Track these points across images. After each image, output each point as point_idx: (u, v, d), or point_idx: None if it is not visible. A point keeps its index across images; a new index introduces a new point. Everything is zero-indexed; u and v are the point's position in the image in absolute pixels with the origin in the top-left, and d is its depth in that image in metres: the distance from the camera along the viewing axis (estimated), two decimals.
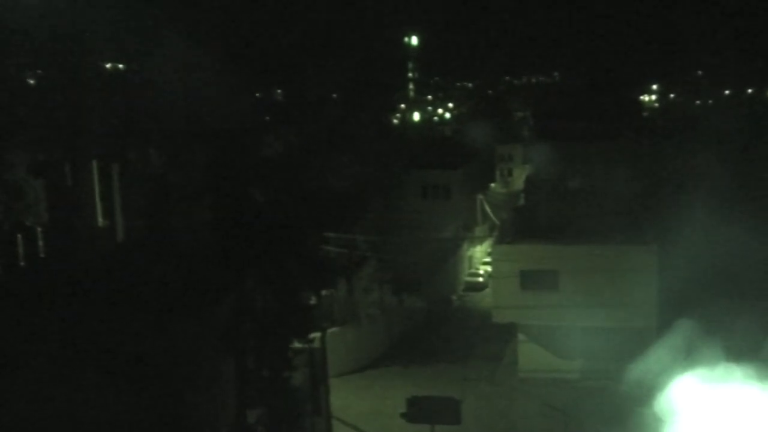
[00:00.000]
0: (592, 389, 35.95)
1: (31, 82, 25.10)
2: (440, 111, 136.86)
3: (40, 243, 22.19)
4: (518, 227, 42.28)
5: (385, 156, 54.60)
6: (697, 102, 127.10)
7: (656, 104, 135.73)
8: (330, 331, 34.47)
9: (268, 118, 29.00)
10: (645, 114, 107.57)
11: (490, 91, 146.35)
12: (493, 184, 78.37)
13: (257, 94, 28.84)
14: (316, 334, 29.64)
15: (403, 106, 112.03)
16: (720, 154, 52.09)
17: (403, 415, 31.73)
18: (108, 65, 26.50)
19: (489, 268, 49.70)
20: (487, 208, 64.07)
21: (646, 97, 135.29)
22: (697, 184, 45.16)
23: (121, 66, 26.68)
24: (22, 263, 21.54)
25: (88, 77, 23.64)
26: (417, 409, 31.21)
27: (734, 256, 35.70)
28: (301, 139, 28.76)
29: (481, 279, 56.79)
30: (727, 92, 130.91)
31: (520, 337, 39.02)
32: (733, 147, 55.50)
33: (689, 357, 29.80)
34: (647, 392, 30.62)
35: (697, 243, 35.77)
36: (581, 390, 36.19)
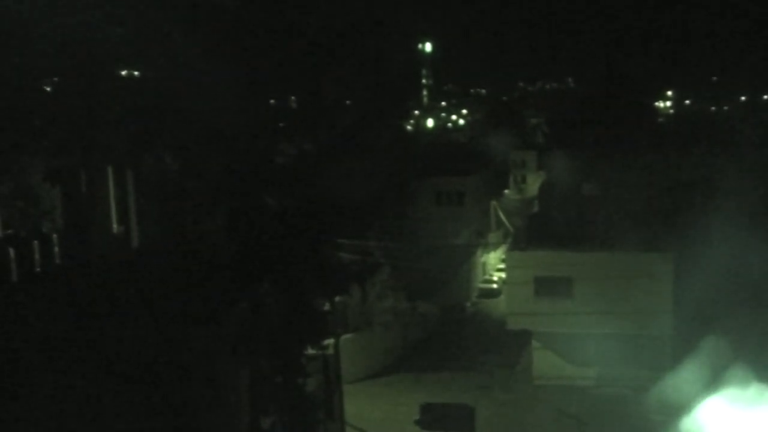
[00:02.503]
0: (606, 397, 35.77)
1: (47, 89, 25.26)
2: (454, 117, 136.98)
3: (56, 249, 22.29)
4: (532, 234, 42.23)
5: (399, 163, 54.61)
6: (713, 108, 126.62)
7: (671, 110, 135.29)
8: (344, 337, 34.47)
9: (282, 124, 29.04)
10: (660, 120, 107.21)
11: (504, 98, 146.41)
12: (507, 191, 78.27)
13: (272, 101, 28.89)
14: (330, 341, 29.65)
15: (417, 112, 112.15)
16: (740, 161, 51.70)
17: (416, 422, 31.70)
18: (123, 72, 26.64)
19: (503, 275, 49.59)
20: (501, 215, 63.97)
21: (661, 104, 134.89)
22: (716, 192, 44.83)
23: (136, 73, 26.81)
24: (37, 269, 21.65)
25: (104, 84, 23.78)
26: (430, 416, 31.18)
27: (758, 267, 35.26)
28: (315, 146, 28.79)
29: (494, 285, 56.63)
30: (743, 98, 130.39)
31: (534, 344, 38.88)
32: (755, 154, 55.03)
33: (717, 375, 29.19)
34: (669, 405, 30.20)
35: (719, 254, 35.42)
36: (596, 397, 36.02)
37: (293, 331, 25.11)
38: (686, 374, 31.23)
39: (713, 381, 29.57)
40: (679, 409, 29.72)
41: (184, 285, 20.94)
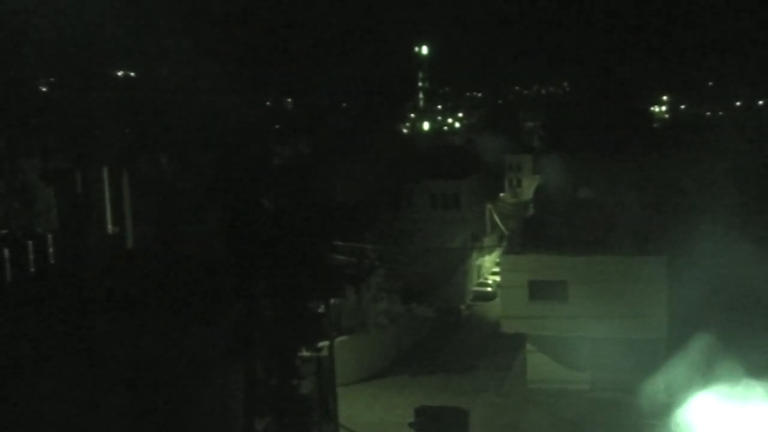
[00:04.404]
0: (601, 400, 35.79)
1: (43, 88, 25.23)
2: (450, 121, 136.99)
3: (51, 249, 22.23)
4: (527, 237, 42.19)
5: (395, 165, 54.62)
6: (708, 113, 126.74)
7: (666, 115, 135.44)
8: (338, 339, 34.45)
9: (278, 126, 29.07)
10: (655, 125, 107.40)
11: (500, 101, 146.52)
12: (502, 194, 78.41)
13: (267, 103, 28.92)
14: (325, 343, 29.62)
15: (413, 115, 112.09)
16: (734, 165, 51.80)
17: (411, 425, 31.66)
18: (119, 73, 26.63)
19: (498, 278, 49.63)
20: (496, 218, 63.98)
21: (656, 108, 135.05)
22: (709, 197, 44.90)
23: (132, 74, 26.80)
24: (32, 269, 21.59)
25: (100, 85, 23.75)
26: (425, 420, 31.13)
27: (750, 271, 35.40)
28: (311, 148, 28.82)
29: (489, 289, 56.68)
30: (738, 103, 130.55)
31: (529, 347, 38.89)
32: (747, 158, 55.14)
33: (707, 373, 29.46)
34: (663, 408, 30.37)
35: (711, 257, 35.50)
36: (590, 401, 36.05)
37: (288, 333, 25.09)
38: (679, 375, 31.28)
39: (704, 378, 29.74)
40: (672, 410, 29.80)
41: (178, 286, 20.91)
